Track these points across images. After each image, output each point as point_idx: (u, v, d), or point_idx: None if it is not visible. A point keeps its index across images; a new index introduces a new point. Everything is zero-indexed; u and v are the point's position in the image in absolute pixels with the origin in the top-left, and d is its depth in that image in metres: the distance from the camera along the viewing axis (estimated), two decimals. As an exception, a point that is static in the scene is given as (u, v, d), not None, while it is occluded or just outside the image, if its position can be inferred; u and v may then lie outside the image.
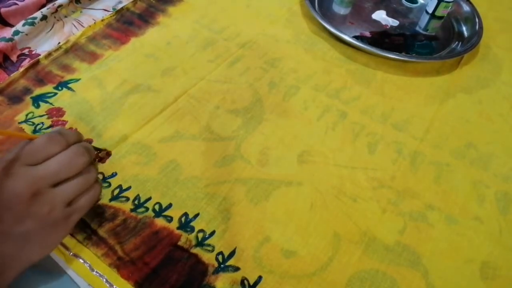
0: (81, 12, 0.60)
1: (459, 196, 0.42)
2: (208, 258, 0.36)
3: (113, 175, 0.40)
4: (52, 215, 0.29)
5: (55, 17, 0.57)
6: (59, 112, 0.46)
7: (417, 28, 0.64)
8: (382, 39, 0.61)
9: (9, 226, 0.27)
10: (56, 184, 0.29)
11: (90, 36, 0.55)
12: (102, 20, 0.57)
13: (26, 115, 0.45)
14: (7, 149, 0.41)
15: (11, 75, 0.49)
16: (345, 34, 0.56)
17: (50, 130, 0.44)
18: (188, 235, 0.37)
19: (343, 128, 0.47)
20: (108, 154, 0.41)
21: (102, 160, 0.40)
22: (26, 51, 0.53)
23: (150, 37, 0.56)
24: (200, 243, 0.37)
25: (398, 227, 0.39)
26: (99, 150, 0.40)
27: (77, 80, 0.49)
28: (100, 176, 0.40)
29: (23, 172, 0.28)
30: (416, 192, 0.42)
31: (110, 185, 0.40)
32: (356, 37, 0.59)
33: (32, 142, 0.29)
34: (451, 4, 0.62)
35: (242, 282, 0.35)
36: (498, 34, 0.64)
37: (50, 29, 0.56)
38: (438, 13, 0.64)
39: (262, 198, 0.40)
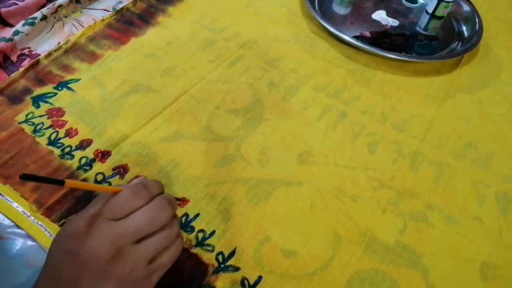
0: (81, 12, 0.60)
1: (459, 196, 0.42)
2: (208, 258, 0.36)
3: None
4: (133, 275, 0.27)
5: (55, 17, 0.57)
6: (59, 112, 0.46)
7: (417, 28, 0.64)
8: (382, 39, 0.61)
9: None
10: (138, 241, 0.27)
11: (90, 36, 0.55)
12: (102, 20, 0.57)
13: (26, 115, 0.45)
14: (7, 149, 0.42)
15: (11, 75, 0.49)
16: (345, 34, 0.56)
17: (50, 130, 0.44)
18: (188, 235, 0.37)
19: (343, 128, 0.47)
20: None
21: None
22: (26, 51, 0.53)
23: (150, 37, 0.56)
24: (200, 243, 0.37)
25: (398, 227, 0.39)
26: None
27: (77, 80, 0.49)
28: (101, 176, 0.40)
29: (106, 228, 0.27)
30: (416, 192, 0.42)
31: (110, 185, 0.40)
32: (356, 37, 0.59)
33: (116, 196, 0.28)
34: (451, 4, 0.62)
35: (242, 282, 0.35)
36: (498, 34, 0.64)
37: (50, 29, 0.56)
38: (438, 13, 0.64)
39: (262, 198, 0.40)
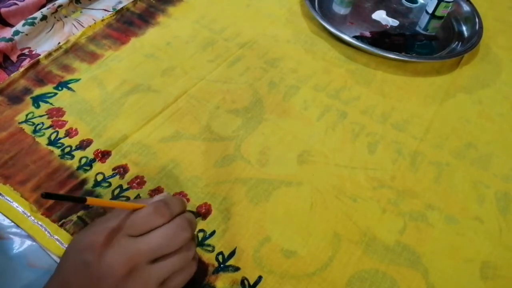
0: (81, 12, 0.60)
1: (459, 196, 0.42)
2: (208, 258, 0.36)
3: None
4: None
5: (55, 17, 0.57)
6: (59, 112, 0.46)
7: (417, 28, 0.64)
8: (382, 39, 0.61)
9: None
10: (153, 260, 0.27)
11: (90, 36, 0.55)
12: (102, 20, 0.57)
13: (26, 115, 0.45)
14: (7, 149, 0.42)
15: (11, 75, 0.49)
16: (345, 34, 0.56)
17: (50, 130, 0.44)
18: (188, 235, 0.37)
19: (343, 128, 0.47)
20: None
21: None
22: (26, 51, 0.53)
23: (150, 37, 0.56)
24: (200, 243, 0.37)
25: (398, 227, 0.39)
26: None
27: (77, 80, 0.49)
28: (101, 176, 0.40)
29: (124, 244, 0.27)
30: (416, 192, 0.42)
31: (110, 184, 0.40)
32: (356, 37, 0.59)
33: (137, 212, 0.28)
34: (451, 4, 0.62)
35: (242, 282, 0.35)
36: (498, 34, 0.64)
37: (50, 29, 0.56)
38: (438, 13, 0.64)
39: (262, 198, 0.40)
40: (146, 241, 0.27)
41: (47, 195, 0.23)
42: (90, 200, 0.25)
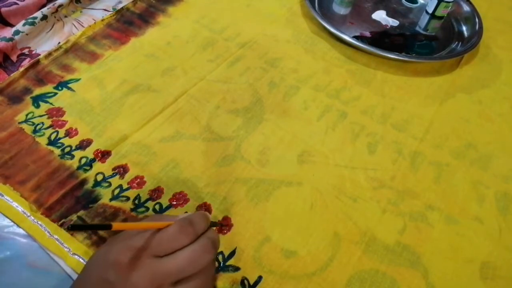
0: (81, 12, 0.60)
1: (459, 196, 0.42)
2: (208, 258, 0.36)
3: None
4: None
5: (55, 17, 0.57)
6: (59, 112, 0.46)
7: (417, 28, 0.64)
8: (382, 39, 0.61)
9: None
10: (176, 282, 0.27)
11: (90, 36, 0.55)
12: (102, 20, 0.57)
13: (26, 115, 0.45)
14: (7, 149, 0.42)
15: (11, 75, 0.49)
16: (345, 34, 0.56)
17: (50, 130, 0.44)
18: (188, 235, 0.37)
19: (343, 128, 0.47)
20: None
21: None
22: (26, 51, 0.53)
23: (150, 37, 0.56)
24: (200, 243, 0.37)
25: (398, 227, 0.39)
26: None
27: (77, 80, 0.49)
28: (100, 176, 0.40)
29: (149, 265, 0.27)
30: (416, 192, 0.42)
31: (110, 184, 0.40)
32: (356, 37, 0.59)
33: (162, 232, 0.28)
34: (451, 4, 0.62)
35: (242, 282, 0.35)
36: (498, 34, 0.64)
37: (50, 29, 0.56)
38: (438, 13, 0.64)
39: (262, 198, 0.40)
40: (171, 263, 0.27)
41: (73, 227, 0.23)
42: (116, 226, 0.25)
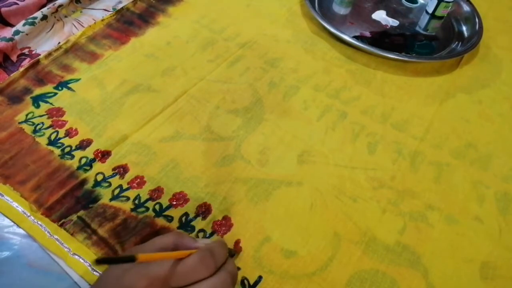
0: (81, 12, 0.60)
1: (459, 196, 0.42)
2: (208, 258, 0.36)
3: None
4: None
5: (55, 17, 0.57)
6: (59, 112, 0.46)
7: (417, 28, 0.64)
8: (382, 39, 0.61)
9: None
10: None
11: (90, 36, 0.55)
12: (102, 20, 0.57)
13: (26, 115, 0.45)
14: (7, 149, 0.42)
15: (11, 75, 0.49)
16: (345, 34, 0.56)
17: (50, 130, 0.44)
18: (189, 234, 0.37)
19: (343, 128, 0.47)
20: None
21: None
22: (26, 51, 0.53)
23: (150, 37, 0.56)
24: (200, 243, 0.37)
25: (398, 227, 0.39)
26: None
27: (77, 80, 0.49)
28: (100, 176, 0.40)
29: None
30: (416, 192, 0.42)
31: (110, 184, 0.40)
32: (356, 37, 0.59)
33: (182, 262, 0.27)
34: (451, 4, 0.62)
35: (242, 282, 0.35)
36: (498, 34, 0.64)
37: (50, 29, 0.56)
38: (438, 13, 0.64)
39: (262, 198, 0.40)
40: None
41: (98, 261, 0.23)
42: (141, 258, 0.25)
